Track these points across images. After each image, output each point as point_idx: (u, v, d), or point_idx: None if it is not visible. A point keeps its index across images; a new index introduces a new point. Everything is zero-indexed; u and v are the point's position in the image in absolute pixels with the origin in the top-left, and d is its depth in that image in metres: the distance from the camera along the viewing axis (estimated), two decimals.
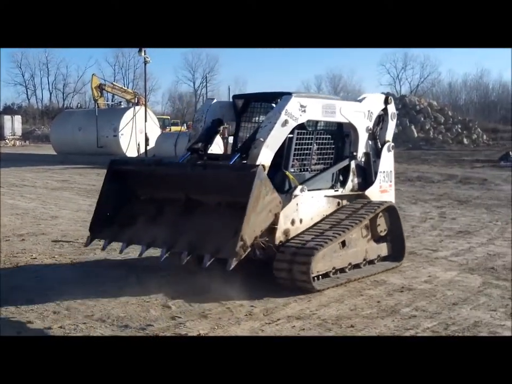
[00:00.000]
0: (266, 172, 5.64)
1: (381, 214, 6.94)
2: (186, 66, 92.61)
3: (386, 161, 7.56)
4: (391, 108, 7.63)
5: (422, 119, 42.81)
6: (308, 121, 6.52)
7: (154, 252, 7.92)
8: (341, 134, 7.10)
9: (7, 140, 50.77)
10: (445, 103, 62.89)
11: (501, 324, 5.14)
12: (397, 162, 7.95)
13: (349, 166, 7.05)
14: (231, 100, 7.27)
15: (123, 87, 39.97)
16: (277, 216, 5.67)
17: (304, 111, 6.29)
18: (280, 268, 5.97)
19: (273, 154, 6.04)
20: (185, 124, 45.33)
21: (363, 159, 7.24)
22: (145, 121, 27.69)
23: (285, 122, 6.09)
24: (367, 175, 7.29)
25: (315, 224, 6.53)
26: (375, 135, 7.46)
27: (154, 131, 28.99)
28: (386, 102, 7.53)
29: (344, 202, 6.99)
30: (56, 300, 5.74)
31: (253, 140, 6.08)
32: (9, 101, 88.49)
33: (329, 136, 6.88)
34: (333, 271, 6.33)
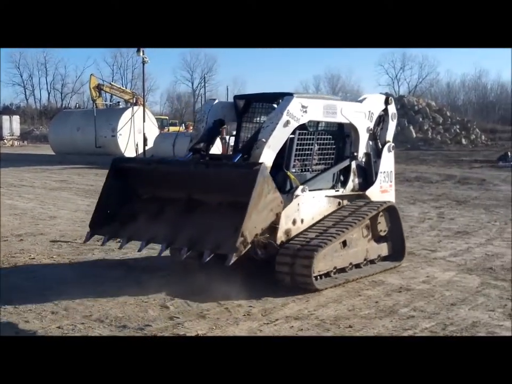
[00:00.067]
0: (268, 171, 5.66)
1: (381, 213, 6.97)
2: (184, 67, 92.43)
3: (387, 161, 7.59)
4: (392, 108, 7.66)
5: (421, 119, 42.82)
6: (309, 121, 6.55)
7: (153, 252, 7.92)
8: (342, 134, 7.14)
9: (5, 140, 50.74)
10: (443, 103, 63.00)
11: (499, 324, 5.14)
12: (396, 163, 7.95)
13: (349, 166, 7.08)
14: (230, 100, 7.29)
15: (121, 87, 39.89)
16: (278, 216, 5.69)
17: (306, 111, 6.31)
18: (281, 267, 5.99)
19: (275, 155, 6.06)
20: (183, 124, 45.38)
21: (364, 159, 7.27)
22: (144, 121, 27.67)
23: (287, 123, 6.11)
24: (367, 175, 7.33)
25: (316, 223, 6.56)
26: (376, 136, 7.49)
27: (153, 131, 28.98)
28: (386, 102, 7.56)
29: (345, 202, 7.02)
30: (54, 300, 5.73)
31: (255, 140, 6.10)
32: (8, 101, 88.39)
33: (330, 136, 6.92)
34: (334, 270, 6.35)
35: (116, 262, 7.45)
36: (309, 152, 6.63)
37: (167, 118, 51.57)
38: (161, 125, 39.84)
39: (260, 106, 7.09)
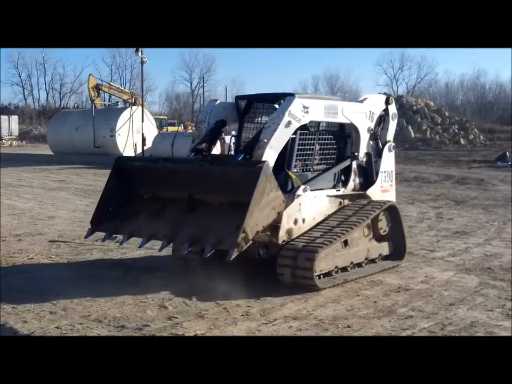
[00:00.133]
0: (270, 170, 5.68)
1: (382, 213, 7.00)
2: (183, 67, 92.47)
3: (387, 161, 7.63)
4: (392, 108, 7.70)
5: (419, 119, 42.83)
6: (310, 122, 6.58)
7: (151, 252, 7.93)
8: (343, 134, 7.17)
9: (3, 140, 50.69)
10: (442, 103, 63.03)
11: (497, 324, 5.14)
12: (395, 163, 7.97)
13: (350, 166, 7.12)
14: (229, 100, 7.32)
15: (120, 87, 39.88)
16: (279, 215, 5.71)
17: (307, 112, 6.34)
18: (283, 267, 6.03)
19: (277, 155, 6.07)
20: (182, 124, 45.41)
21: (364, 159, 7.31)
22: (142, 121, 27.65)
23: (288, 123, 6.14)
24: (368, 175, 7.36)
25: (318, 223, 6.60)
26: (376, 135, 7.52)
27: (151, 131, 28.97)
28: (387, 102, 7.59)
29: (346, 202, 7.06)
30: (53, 300, 5.73)
31: (256, 140, 6.13)
32: (6, 101, 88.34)
33: (331, 136, 6.95)
34: (336, 270, 6.39)
35: (114, 262, 7.45)
36: (310, 152, 6.66)
37: (166, 118, 51.59)
38: (160, 125, 39.84)
39: (261, 106, 7.13)
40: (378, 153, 7.52)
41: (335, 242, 6.18)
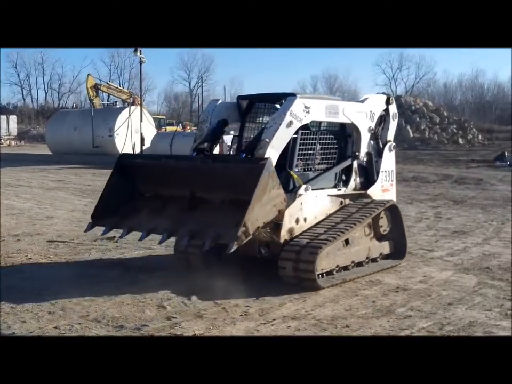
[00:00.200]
0: (273, 167, 5.70)
1: (383, 212, 7.04)
2: (182, 66, 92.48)
3: (388, 160, 7.66)
4: (393, 108, 7.74)
5: (418, 119, 42.82)
6: (312, 121, 6.62)
7: (150, 252, 7.94)
8: (344, 134, 7.21)
9: (2, 140, 50.62)
10: (440, 103, 62.99)
11: (496, 323, 5.15)
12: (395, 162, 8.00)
13: (351, 165, 7.16)
14: (227, 100, 7.32)
15: (118, 87, 39.92)
16: (280, 213, 5.74)
17: (308, 112, 6.37)
18: (285, 266, 6.07)
19: (278, 155, 6.10)
20: (180, 124, 45.36)
21: (365, 159, 7.34)
22: (141, 121, 27.62)
23: (290, 123, 6.17)
24: (369, 175, 7.40)
25: (320, 222, 6.64)
26: (377, 135, 7.55)
27: (150, 131, 28.94)
28: (387, 102, 7.63)
29: (347, 201, 7.10)
30: (51, 300, 5.73)
31: (258, 140, 6.16)
32: (5, 100, 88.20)
33: (332, 136, 6.98)
34: (337, 268, 6.42)
35: (113, 262, 7.44)
36: (311, 152, 6.70)
37: (165, 117, 51.58)
38: (159, 124, 39.82)
39: (263, 106, 7.15)
40: (379, 153, 7.56)
41: (337, 241, 6.23)
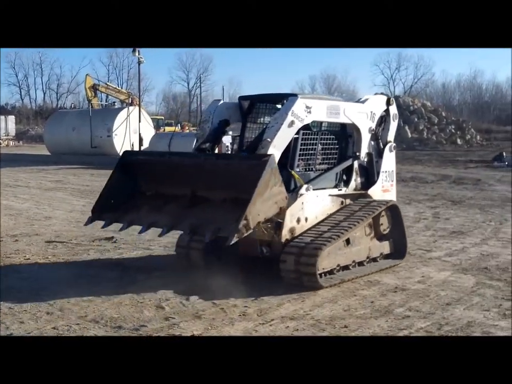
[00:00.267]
0: (276, 164, 5.73)
1: (383, 212, 7.08)
2: (180, 67, 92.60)
3: (388, 161, 7.70)
4: (393, 109, 7.77)
5: (416, 119, 42.85)
6: (313, 122, 6.66)
7: (148, 252, 7.93)
8: (344, 134, 7.24)
9: (0, 140, 50.58)
10: (439, 103, 63.00)
11: (494, 324, 5.15)
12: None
13: (352, 165, 7.19)
14: (225, 100, 7.35)
15: (117, 87, 39.90)
16: (282, 210, 5.76)
17: (310, 112, 6.40)
18: (286, 265, 6.10)
19: (280, 154, 6.12)
20: (179, 124, 45.35)
21: (366, 159, 7.37)
22: (139, 121, 27.65)
23: (291, 123, 6.20)
24: (369, 175, 7.43)
25: (321, 221, 6.68)
26: (377, 136, 7.58)
27: (148, 131, 28.96)
28: (388, 103, 7.67)
29: (348, 201, 7.14)
30: (50, 301, 5.72)
31: (260, 140, 6.19)
32: (3, 101, 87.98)
33: (333, 136, 7.02)
34: (338, 268, 6.45)
35: (111, 262, 7.44)
36: (312, 152, 6.73)
37: (163, 118, 51.53)
38: (157, 125, 39.81)
39: (264, 107, 7.19)
40: (379, 153, 7.59)
41: (338, 240, 6.27)
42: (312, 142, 6.67)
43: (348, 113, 6.95)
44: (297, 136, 6.44)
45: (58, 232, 9.47)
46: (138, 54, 28.28)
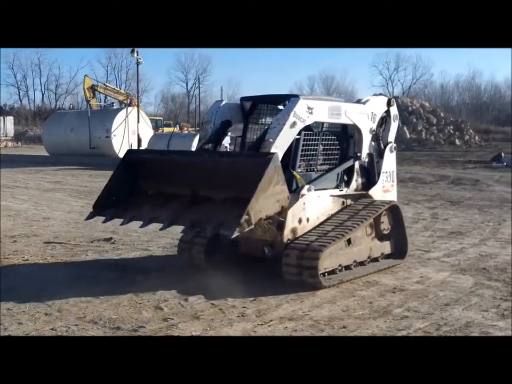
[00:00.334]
0: (279, 162, 5.76)
1: (385, 212, 7.12)
2: (179, 67, 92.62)
3: (389, 161, 7.74)
4: (394, 110, 7.81)
5: (414, 120, 42.87)
6: (314, 122, 6.68)
7: (147, 253, 7.93)
8: (346, 135, 7.27)
9: None
10: (437, 104, 63.06)
11: (492, 324, 5.15)
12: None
13: (353, 166, 7.23)
14: (225, 100, 7.36)
15: (115, 88, 39.89)
16: (283, 209, 5.77)
17: (311, 113, 6.42)
18: (288, 265, 6.12)
19: (282, 155, 6.13)
20: (177, 125, 45.39)
21: (367, 160, 7.41)
22: (138, 122, 27.64)
23: (293, 124, 6.22)
24: (370, 175, 7.47)
25: (324, 222, 6.71)
26: (378, 136, 7.61)
27: (147, 132, 28.94)
28: (388, 104, 7.71)
29: (349, 201, 7.17)
30: (48, 302, 5.71)
31: (262, 140, 6.22)
32: (1, 102, 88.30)
33: (334, 137, 7.04)
34: (339, 268, 6.48)
35: (110, 263, 7.43)
36: (314, 152, 6.75)
37: (162, 118, 51.57)
38: (156, 125, 39.85)
39: (266, 107, 7.21)
40: (380, 154, 7.63)
41: (340, 240, 6.31)
42: (313, 142, 6.70)
43: (349, 114, 6.98)
44: (298, 137, 6.47)
45: (57, 233, 9.46)
46: (137, 55, 28.30)
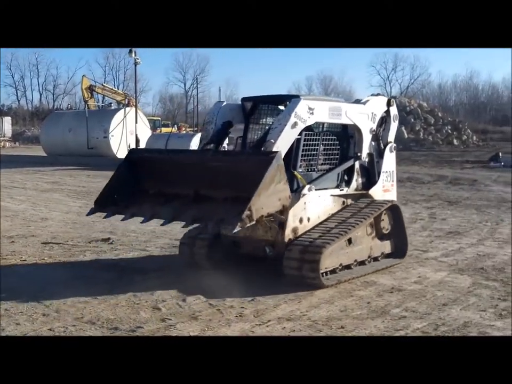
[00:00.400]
0: (282, 161, 5.76)
1: (385, 212, 7.15)
2: (177, 68, 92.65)
3: (389, 161, 7.77)
4: (393, 110, 7.84)
5: (412, 120, 42.91)
6: (315, 123, 6.70)
7: (145, 254, 7.92)
8: (346, 135, 7.30)
9: None
10: (435, 104, 63.18)
11: (490, 324, 5.15)
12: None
13: (353, 166, 7.25)
14: (223, 100, 7.38)
15: (113, 88, 39.83)
16: (284, 208, 5.78)
17: (312, 113, 6.45)
18: (289, 265, 6.15)
19: (283, 155, 6.13)
20: (175, 125, 45.37)
21: (367, 160, 7.44)
22: (136, 122, 27.64)
23: (294, 124, 6.25)
24: (370, 175, 7.50)
25: (324, 221, 6.74)
26: (378, 136, 7.64)
27: (145, 132, 28.95)
28: (388, 104, 7.75)
29: (349, 201, 7.19)
30: (46, 302, 5.71)
31: (263, 141, 6.26)
32: None
33: (335, 137, 7.07)
34: (340, 267, 6.50)
35: (108, 263, 7.43)
36: (314, 152, 6.77)
37: (160, 119, 51.63)
38: (154, 126, 39.87)
39: (267, 108, 7.23)
40: (380, 154, 7.65)
41: (341, 239, 6.34)
42: (314, 142, 6.72)
43: (349, 114, 7.01)
44: (299, 137, 6.49)
45: (55, 234, 9.46)
46: (135, 55, 28.30)
